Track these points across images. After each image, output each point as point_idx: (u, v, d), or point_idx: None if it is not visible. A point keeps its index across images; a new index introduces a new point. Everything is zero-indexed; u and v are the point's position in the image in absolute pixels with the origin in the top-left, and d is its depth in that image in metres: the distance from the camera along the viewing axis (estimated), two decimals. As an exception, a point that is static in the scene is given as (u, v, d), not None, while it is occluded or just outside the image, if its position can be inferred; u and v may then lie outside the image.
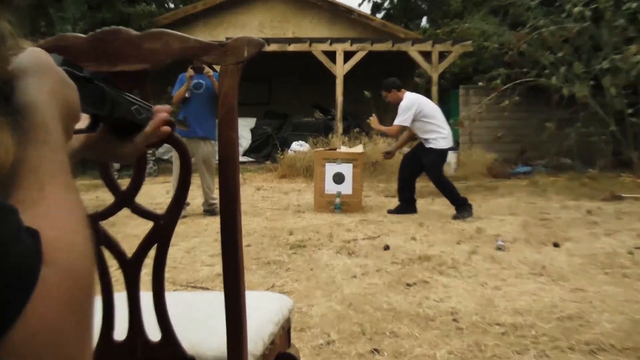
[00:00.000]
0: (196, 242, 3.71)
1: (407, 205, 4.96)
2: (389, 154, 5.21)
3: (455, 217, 4.57)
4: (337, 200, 5.01)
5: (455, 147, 8.84)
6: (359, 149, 5.68)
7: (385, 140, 7.79)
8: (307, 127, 10.49)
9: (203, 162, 4.76)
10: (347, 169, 5.13)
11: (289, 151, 8.80)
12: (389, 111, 5.35)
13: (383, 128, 5.11)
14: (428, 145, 4.70)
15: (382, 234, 3.98)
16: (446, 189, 4.70)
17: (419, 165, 4.79)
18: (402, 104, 4.75)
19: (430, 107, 4.82)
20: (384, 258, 3.23)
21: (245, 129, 10.61)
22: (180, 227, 4.14)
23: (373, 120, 4.97)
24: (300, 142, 9.21)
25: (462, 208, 4.62)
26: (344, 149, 5.96)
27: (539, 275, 2.86)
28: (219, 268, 2.93)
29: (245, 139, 10.52)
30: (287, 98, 12.76)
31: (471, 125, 8.76)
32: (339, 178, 5.13)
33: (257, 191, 6.66)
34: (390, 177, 6.80)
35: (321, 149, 6.38)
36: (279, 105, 12.58)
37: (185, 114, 4.73)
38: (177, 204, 0.79)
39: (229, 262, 0.78)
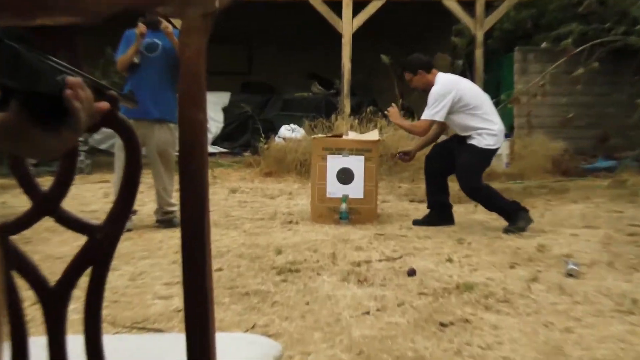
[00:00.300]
0: (146, 265, 3.71)
1: (439, 213, 4.98)
2: (406, 155, 5.24)
3: (507, 231, 4.58)
4: (343, 206, 5.02)
5: (508, 133, 8.84)
6: (373, 135, 5.68)
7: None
8: (302, 106, 10.49)
9: (158, 154, 4.76)
10: (357, 164, 5.14)
11: (277, 138, 8.79)
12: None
13: (406, 124, 5.12)
14: (469, 142, 4.72)
15: (405, 253, 3.98)
16: (482, 197, 4.73)
17: (453, 159, 4.81)
18: (434, 91, 4.75)
19: (473, 94, 4.85)
20: (408, 287, 3.23)
21: (216, 107, 10.62)
22: (125, 245, 4.14)
23: (393, 112, 4.98)
24: (292, 125, 9.20)
25: (516, 217, 4.64)
26: (352, 135, 5.96)
27: (628, 313, 2.86)
28: (178, 301, 2.92)
29: (215, 121, 10.54)
30: (273, 65, 12.77)
31: (530, 102, 8.76)
32: (345, 176, 5.14)
33: (231, 194, 6.66)
34: (417, 175, 6.81)
35: (321, 135, 6.38)
36: (263, 76, 12.60)
37: (134, 86, 4.73)
38: (121, 211, 0.79)
39: (193, 293, 0.77)
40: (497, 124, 4.76)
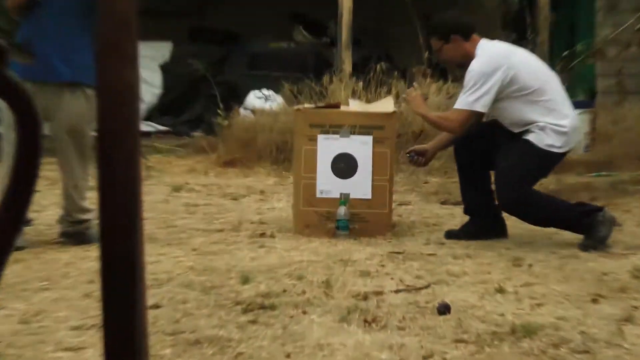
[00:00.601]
0: (46, 300, 3.69)
1: (484, 221, 5.00)
2: (420, 156, 5.24)
3: (585, 247, 4.61)
4: (342, 211, 5.01)
5: (589, 101, 8.84)
6: (387, 105, 5.66)
7: (444, 93, 7.80)
8: (280, 62, 10.48)
9: (68, 134, 4.73)
10: (362, 148, 5.14)
11: (242, 111, 8.78)
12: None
13: (433, 116, 5.11)
14: (526, 137, 4.74)
15: (434, 281, 3.98)
16: (531, 211, 4.73)
17: (495, 145, 4.83)
18: (475, 67, 4.75)
19: (534, 71, 4.86)
20: (439, 332, 3.23)
21: (151, 64, 10.59)
22: (14, 270, 4.11)
23: (414, 98, 4.98)
24: (266, 91, 9.19)
25: (591, 224, 4.66)
26: (354, 105, 5.94)
27: None
28: (94, 355, 2.92)
29: (150, 86, 10.50)
30: (237, 3, 12.70)
31: (622, 56, 8.76)
32: (345, 166, 5.14)
33: (175, 194, 6.66)
34: (453, 164, 6.80)
35: (309, 105, 6.37)
36: (221, 18, 12.54)
37: (31, 33, 4.69)
38: (8, 220, 0.79)
39: (116, 341, 0.77)
40: (568, 117, 4.77)
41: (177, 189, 6.80)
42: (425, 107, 5.04)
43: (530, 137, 4.69)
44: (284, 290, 3.79)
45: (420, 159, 5.22)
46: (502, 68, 4.68)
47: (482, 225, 4.98)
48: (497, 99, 4.71)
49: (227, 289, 3.83)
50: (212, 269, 4.20)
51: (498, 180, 4.78)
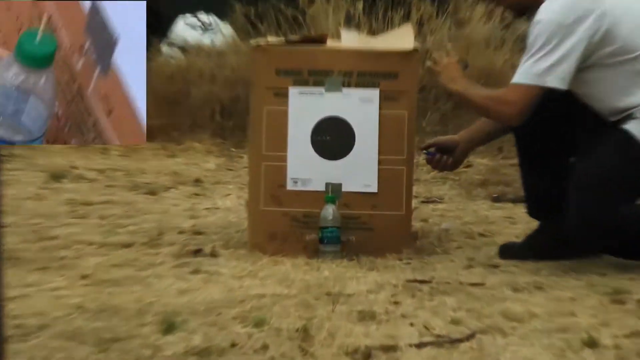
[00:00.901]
0: None
1: (559, 231, 4.98)
2: (442, 154, 5.32)
3: None
4: (329, 213, 5.02)
5: None
6: (403, 39, 5.65)
7: (496, 21, 7.85)
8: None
9: None
10: (361, 109, 5.17)
11: (166, 48, 8.79)
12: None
13: (476, 96, 5.10)
14: (624, 126, 4.76)
15: (482, 328, 3.98)
16: (617, 238, 4.82)
17: (574, 127, 4.93)
18: (547, 15, 4.73)
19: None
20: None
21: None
22: None
23: (445, 65, 5.07)
24: (204, 17, 9.23)
25: None
26: (350, 38, 5.95)
27: None
28: None
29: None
30: None
31: None
32: (334, 139, 5.16)
33: (53, 184, 6.69)
34: (510, 135, 6.82)
35: (274, 39, 6.36)
36: None
37: None
38: None
39: None
40: None
41: (56, 177, 6.80)
42: (463, 82, 4.92)
43: (631, 126, 4.69)
44: (233, 345, 3.76)
45: (445, 159, 5.26)
46: (590, 17, 4.66)
47: (559, 237, 4.98)
48: (582, 68, 4.70)
49: (139, 342, 3.80)
50: (115, 309, 4.18)
51: (571, 192, 4.74)
